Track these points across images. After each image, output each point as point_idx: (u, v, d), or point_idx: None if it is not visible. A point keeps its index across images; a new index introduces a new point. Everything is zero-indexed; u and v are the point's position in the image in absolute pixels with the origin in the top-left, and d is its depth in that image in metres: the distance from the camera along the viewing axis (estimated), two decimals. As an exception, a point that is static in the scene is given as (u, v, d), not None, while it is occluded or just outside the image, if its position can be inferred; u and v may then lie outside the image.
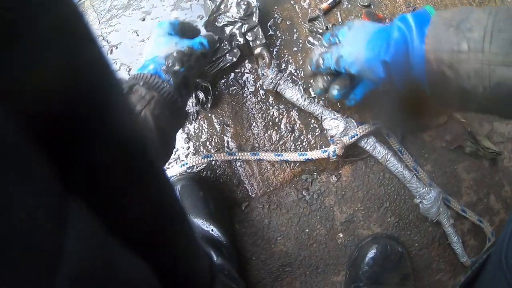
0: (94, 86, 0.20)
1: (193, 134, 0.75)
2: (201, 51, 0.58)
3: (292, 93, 0.70)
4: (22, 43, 0.16)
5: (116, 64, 0.83)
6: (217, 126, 0.74)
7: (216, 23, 0.69)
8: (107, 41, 0.86)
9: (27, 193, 0.17)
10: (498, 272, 0.51)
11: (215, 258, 0.69)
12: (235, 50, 0.70)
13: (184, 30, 0.63)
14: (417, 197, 0.72)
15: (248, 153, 0.71)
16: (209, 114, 0.74)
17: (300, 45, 0.75)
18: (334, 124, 0.70)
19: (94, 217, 0.23)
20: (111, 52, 0.84)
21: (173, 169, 0.73)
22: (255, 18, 0.69)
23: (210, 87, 0.71)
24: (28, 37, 0.16)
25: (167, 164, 0.75)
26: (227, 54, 0.70)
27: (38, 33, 0.17)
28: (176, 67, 0.53)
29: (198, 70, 0.58)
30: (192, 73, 0.56)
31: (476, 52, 0.41)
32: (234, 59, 0.70)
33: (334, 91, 0.61)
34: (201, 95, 0.71)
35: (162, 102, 0.50)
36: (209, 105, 0.72)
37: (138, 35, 0.84)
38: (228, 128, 0.74)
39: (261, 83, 0.71)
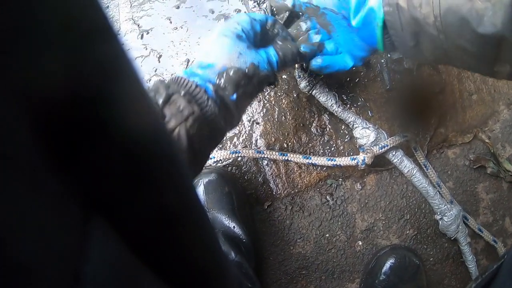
0: (105, 86, 0.18)
1: (221, 128, 0.74)
2: (266, 73, 0.47)
3: (327, 98, 0.70)
4: (24, 40, 0.14)
5: (146, 49, 0.82)
6: (246, 123, 0.74)
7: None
8: (138, 25, 0.84)
9: (40, 209, 0.15)
10: (508, 281, 0.53)
11: (233, 255, 0.68)
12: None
13: (264, 33, 0.52)
14: (438, 213, 0.73)
15: (277, 153, 0.71)
16: (239, 110, 0.74)
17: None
18: (365, 133, 0.70)
19: (119, 239, 0.20)
20: (141, 37, 0.83)
21: (199, 161, 0.72)
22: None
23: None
24: (29, 35, 0.14)
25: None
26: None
27: (40, 30, 0.15)
28: (228, 92, 0.44)
29: (255, 95, 0.48)
30: (246, 100, 0.47)
31: None
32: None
33: (303, 45, 0.61)
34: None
35: (202, 120, 0.42)
36: None
37: (171, 22, 0.82)
38: (257, 125, 0.73)
39: (298, 84, 0.71)
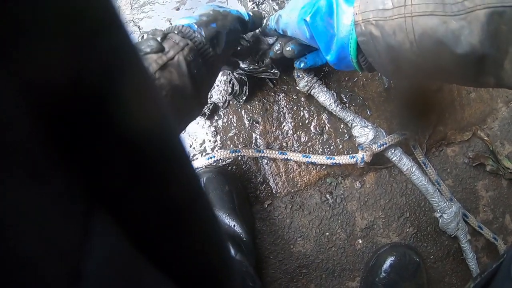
0: (110, 79, 0.18)
1: (221, 128, 0.74)
2: (238, 16, 0.58)
3: (326, 97, 0.71)
4: (26, 31, 0.14)
5: (147, 51, 0.83)
6: (246, 122, 0.74)
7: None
8: (139, 27, 0.85)
9: (42, 203, 0.15)
10: (506, 282, 0.53)
11: (234, 254, 0.69)
12: (275, 71, 0.69)
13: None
14: (438, 211, 0.73)
15: (276, 152, 0.72)
16: (239, 110, 0.74)
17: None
18: (364, 132, 0.70)
19: (121, 233, 0.20)
20: (142, 39, 0.84)
21: (199, 161, 0.72)
22: None
23: (247, 80, 0.70)
24: (32, 25, 0.14)
25: (193, 157, 0.75)
26: (269, 70, 0.69)
27: (43, 20, 0.15)
28: (209, 20, 0.54)
29: (233, 34, 0.58)
30: (226, 33, 0.56)
31: (399, 6, 0.42)
32: (275, 76, 0.69)
33: (289, 45, 0.63)
34: (236, 86, 0.70)
35: (195, 50, 0.52)
36: (244, 98, 0.72)
37: (171, 24, 0.83)
38: (257, 125, 0.74)
39: (296, 84, 0.71)
